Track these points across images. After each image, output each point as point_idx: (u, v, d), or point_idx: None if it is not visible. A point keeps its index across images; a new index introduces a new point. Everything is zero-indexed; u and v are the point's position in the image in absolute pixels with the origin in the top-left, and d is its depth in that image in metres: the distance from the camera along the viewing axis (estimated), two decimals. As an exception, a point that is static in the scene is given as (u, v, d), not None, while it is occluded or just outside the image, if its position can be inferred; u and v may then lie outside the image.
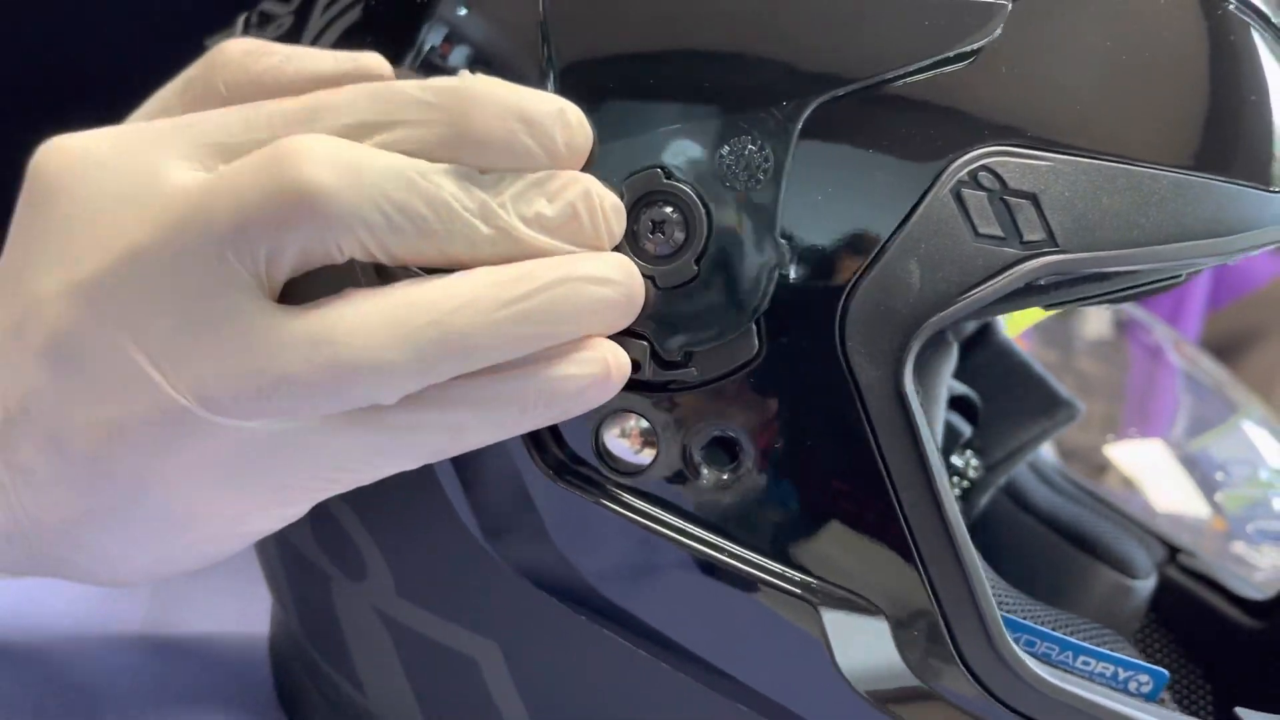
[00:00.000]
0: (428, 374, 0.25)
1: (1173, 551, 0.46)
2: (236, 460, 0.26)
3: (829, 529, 0.28)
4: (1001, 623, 0.28)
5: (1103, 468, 0.61)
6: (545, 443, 0.29)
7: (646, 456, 0.28)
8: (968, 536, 0.28)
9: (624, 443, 0.28)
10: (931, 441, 0.27)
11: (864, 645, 0.28)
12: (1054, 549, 0.44)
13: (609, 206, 0.27)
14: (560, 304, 0.26)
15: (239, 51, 0.29)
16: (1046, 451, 0.49)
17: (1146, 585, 0.43)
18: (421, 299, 0.25)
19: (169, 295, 0.25)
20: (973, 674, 0.28)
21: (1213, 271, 0.95)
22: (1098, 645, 0.31)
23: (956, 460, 0.44)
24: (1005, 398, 0.44)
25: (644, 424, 0.28)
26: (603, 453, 0.28)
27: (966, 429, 0.43)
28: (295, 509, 0.28)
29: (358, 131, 0.26)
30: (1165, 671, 0.31)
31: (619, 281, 0.26)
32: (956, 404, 0.44)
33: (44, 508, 0.28)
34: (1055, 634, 0.31)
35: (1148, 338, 0.71)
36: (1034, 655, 0.30)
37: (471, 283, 0.25)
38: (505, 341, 0.25)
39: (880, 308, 0.27)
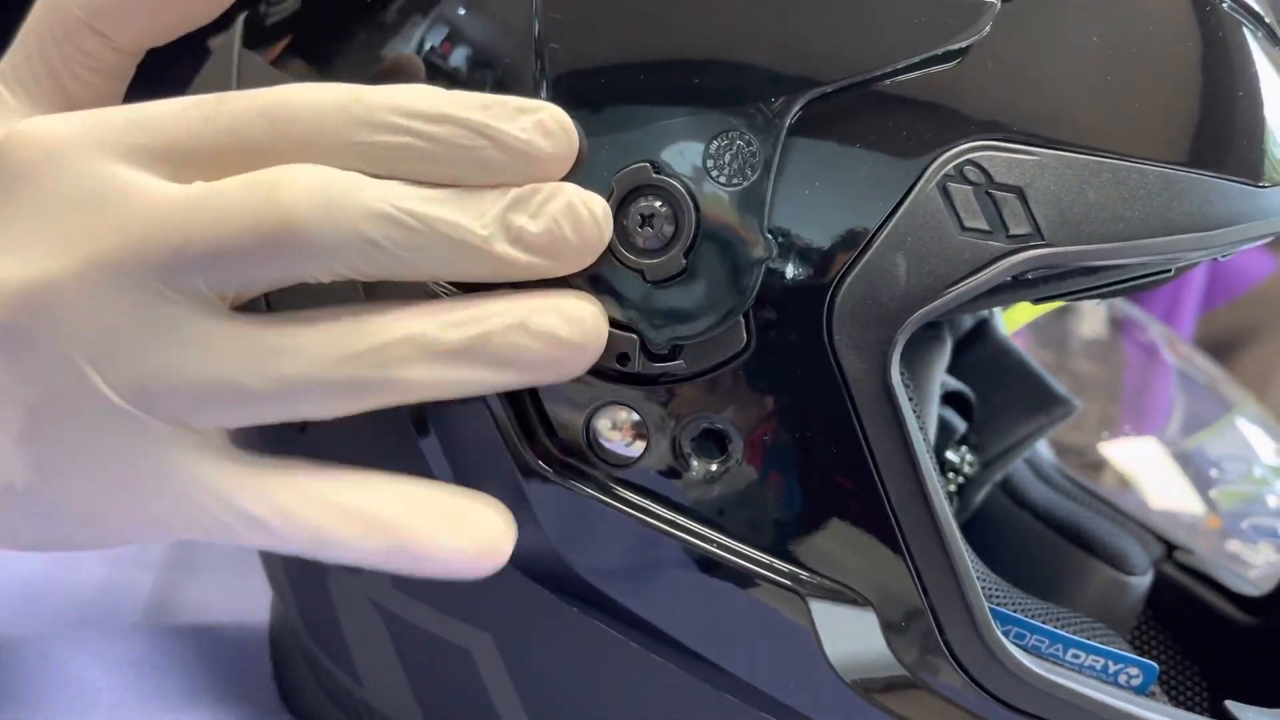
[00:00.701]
0: (364, 399, 0.26)
1: (1169, 548, 0.46)
2: (134, 471, 0.27)
3: (817, 521, 0.28)
4: (989, 614, 0.28)
5: (1098, 466, 0.61)
6: (536, 434, 0.29)
7: (637, 448, 0.29)
8: (956, 528, 0.28)
9: (614, 435, 0.29)
10: (919, 434, 0.28)
11: (852, 636, 0.28)
12: (1050, 545, 0.44)
13: (598, 212, 0.27)
14: (503, 353, 0.26)
15: None
16: (1043, 448, 0.49)
17: (1143, 582, 0.43)
18: (372, 326, 0.26)
19: (123, 304, 0.26)
20: (960, 665, 0.28)
21: (1207, 271, 0.95)
22: (1089, 639, 0.32)
23: (952, 456, 0.44)
24: (1001, 394, 0.45)
25: (634, 416, 0.28)
26: (594, 444, 0.29)
27: (961, 425, 0.43)
28: (173, 534, 0.29)
29: (324, 148, 0.26)
30: (1155, 665, 0.31)
31: (572, 340, 0.26)
32: (952, 400, 0.44)
33: None
34: (1045, 627, 0.31)
35: (1142, 336, 0.71)
36: (1024, 648, 0.30)
37: (423, 317, 0.26)
38: (444, 381, 0.26)
39: (867, 301, 0.27)
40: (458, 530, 0.26)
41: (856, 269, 0.27)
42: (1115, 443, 0.63)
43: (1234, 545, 0.56)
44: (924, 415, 0.38)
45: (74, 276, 0.26)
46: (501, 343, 0.26)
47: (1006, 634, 0.29)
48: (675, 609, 0.29)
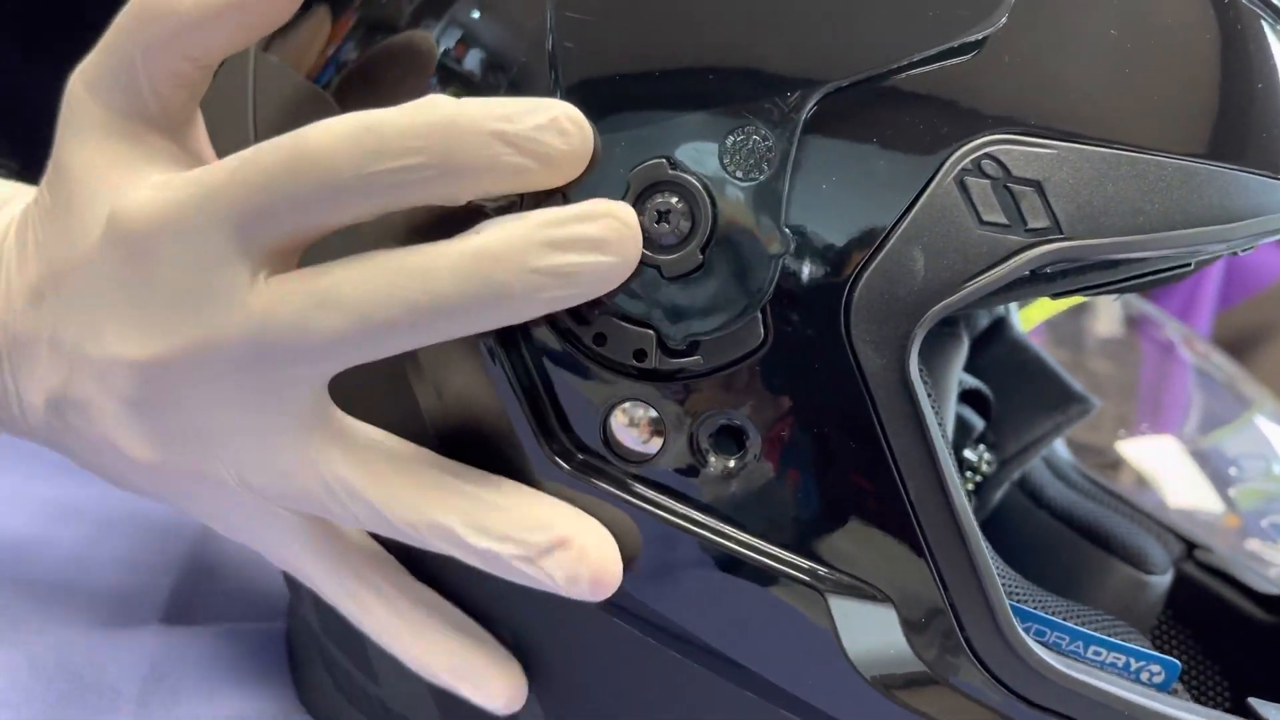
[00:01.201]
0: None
1: (1189, 547, 0.45)
2: (239, 524, 0.32)
3: (835, 517, 0.28)
4: (1010, 611, 0.28)
5: (1115, 465, 0.61)
6: (553, 431, 0.29)
7: (654, 445, 0.29)
8: (975, 524, 0.28)
9: (631, 431, 0.29)
10: (938, 429, 0.27)
11: (872, 633, 0.28)
12: (1069, 544, 0.44)
13: (631, 225, 0.26)
14: (511, 573, 0.28)
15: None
16: (1061, 448, 0.49)
17: (1162, 581, 0.43)
18: (418, 500, 0.28)
19: (223, 396, 0.29)
20: (981, 662, 0.28)
21: (1223, 269, 0.95)
22: (1110, 637, 0.31)
23: (969, 454, 0.44)
24: (1019, 392, 0.44)
25: (651, 413, 0.28)
26: (610, 441, 0.29)
27: (979, 423, 0.43)
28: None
29: (344, 187, 0.26)
30: (1177, 662, 0.31)
31: (573, 587, 0.28)
32: (969, 398, 0.44)
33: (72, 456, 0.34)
34: (1066, 624, 0.31)
35: (1159, 334, 0.71)
36: (1044, 645, 0.30)
37: (458, 507, 0.28)
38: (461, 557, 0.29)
39: (885, 296, 0.27)
40: (483, 689, 0.31)
41: (874, 264, 0.27)
42: (1132, 441, 0.62)
43: (1253, 544, 0.56)
44: (942, 413, 0.38)
45: (178, 363, 0.29)
46: (511, 566, 0.28)
47: (1027, 631, 0.29)
48: (693, 606, 0.29)
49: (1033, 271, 0.29)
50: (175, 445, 0.30)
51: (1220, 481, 0.59)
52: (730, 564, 0.28)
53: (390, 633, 0.31)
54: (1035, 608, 0.32)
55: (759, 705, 0.29)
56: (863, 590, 0.28)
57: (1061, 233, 0.27)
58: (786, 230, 0.27)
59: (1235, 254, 0.33)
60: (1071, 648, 0.31)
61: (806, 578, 0.28)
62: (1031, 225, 0.27)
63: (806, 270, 0.27)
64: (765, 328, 0.27)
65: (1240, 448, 0.62)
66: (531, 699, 0.32)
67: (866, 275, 0.27)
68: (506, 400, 0.29)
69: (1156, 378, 0.69)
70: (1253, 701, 0.31)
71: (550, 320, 0.28)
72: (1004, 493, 0.45)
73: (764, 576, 0.28)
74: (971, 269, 0.27)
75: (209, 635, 0.41)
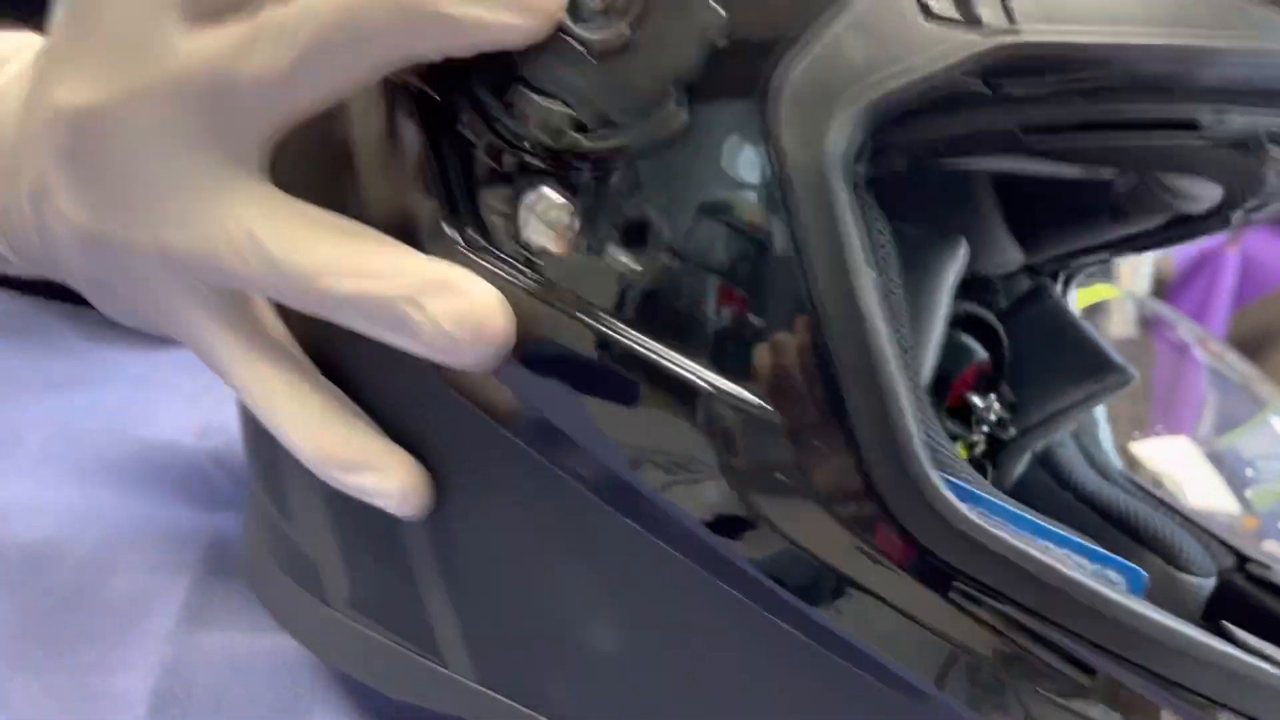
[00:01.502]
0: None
1: (1242, 560, 0.40)
2: (156, 305, 0.31)
3: (738, 323, 0.25)
4: (920, 445, 0.24)
5: (1131, 465, 0.57)
6: (459, 210, 0.28)
7: (557, 236, 0.27)
8: (892, 337, 0.25)
9: (536, 219, 0.27)
10: (857, 236, 0.25)
11: (759, 447, 0.25)
12: (1093, 529, 0.39)
13: None
14: (391, 320, 0.27)
15: None
16: (1113, 455, 0.44)
17: (1198, 583, 0.37)
18: (354, 244, 0.27)
19: (156, 145, 0.29)
20: (879, 498, 0.24)
21: (1237, 268, 0.92)
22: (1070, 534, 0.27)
23: (978, 401, 0.40)
24: (1051, 358, 0.40)
25: (558, 200, 0.27)
26: (514, 229, 0.27)
27: (980, 350, 0.39)
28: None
29: None
30: (1143, 572, 0.27)
31: (456, 339, 0.26)
32: (974, 327, 0.40)
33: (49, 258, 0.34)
34: (1012, 509, 0.27)
35: (1173, 335, 0.67)
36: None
37: (332, 257, 0.27)
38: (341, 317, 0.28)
39: (819, 83, 0.25)
40: (384, 479, 0.30)
41: (809, 50, 0.25)
42: (1147, 442, 0.58)
43: (1271, 545, 0.50)
44: (932, 325, 0.35)
45: (117, 108, 0.29)
46: (395, 315, 0.27)
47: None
48: (577, 404, 0.27)
49: (993, 90, 0.26)
50: (106, 206, 0.30)
51: (1237, 483, 0.55)
52: (621, 362, 0.26)
53: (293, 422, 0.30)
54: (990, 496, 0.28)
55: (639, 537, 0.27)
56: (759, 410, 0.25)
57: (1016, 29, 0.24)
58: (719, 9, 0.25)
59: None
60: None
61: (703, 385, 0.25)
62: (985, 21, 0.24)
63: (737, 52, 0.25)
64: (688, 112, 0.26)
65: (1256, 449, 0.58)
66: (420, 523, 0.30)
67: (801, 62, 0.25)
68: (415, 171, 0.28)
69: (1171, 379, 0.66)
70: (1226, 624, 0.26)
71: (467, 92, 0.27)
72: (1025, 468, 0.41)
73: (654, 377, 0.26)
74: (912, 59, 0.24)
75: (222, 643, 0.39)
